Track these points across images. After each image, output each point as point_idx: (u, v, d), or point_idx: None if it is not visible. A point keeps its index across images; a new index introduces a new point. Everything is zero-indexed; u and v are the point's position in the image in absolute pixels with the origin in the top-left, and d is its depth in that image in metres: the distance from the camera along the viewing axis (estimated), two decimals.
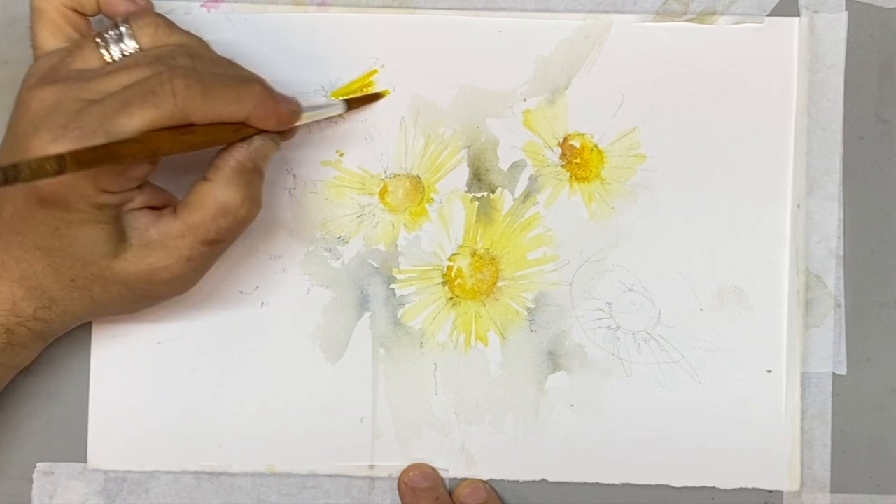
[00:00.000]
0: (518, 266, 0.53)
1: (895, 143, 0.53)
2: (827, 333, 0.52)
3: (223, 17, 0.53)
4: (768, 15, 0.53)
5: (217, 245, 0.46)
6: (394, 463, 0.53)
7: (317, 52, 0.53)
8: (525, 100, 0.53)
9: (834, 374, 0.52)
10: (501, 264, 0.53)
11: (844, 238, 0.53)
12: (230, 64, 0.47)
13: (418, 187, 0.53)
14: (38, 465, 0.53)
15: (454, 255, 0.53)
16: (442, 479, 0.52)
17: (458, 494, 0.52)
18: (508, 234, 0.53)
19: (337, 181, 0.53)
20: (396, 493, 0.52)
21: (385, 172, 0.53)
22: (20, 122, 0.44)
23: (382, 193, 0.53)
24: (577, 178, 0.53)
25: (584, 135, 0.53)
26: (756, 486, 0.52)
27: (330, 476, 0.53)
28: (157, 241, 0.46)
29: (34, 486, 0.53)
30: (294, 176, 0.53)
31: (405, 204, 0.53)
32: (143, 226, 0.46)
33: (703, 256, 0.53)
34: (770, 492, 0.52)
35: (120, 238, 0.45)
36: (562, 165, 0.53)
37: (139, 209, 0.46)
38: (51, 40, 0.47)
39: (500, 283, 0.53)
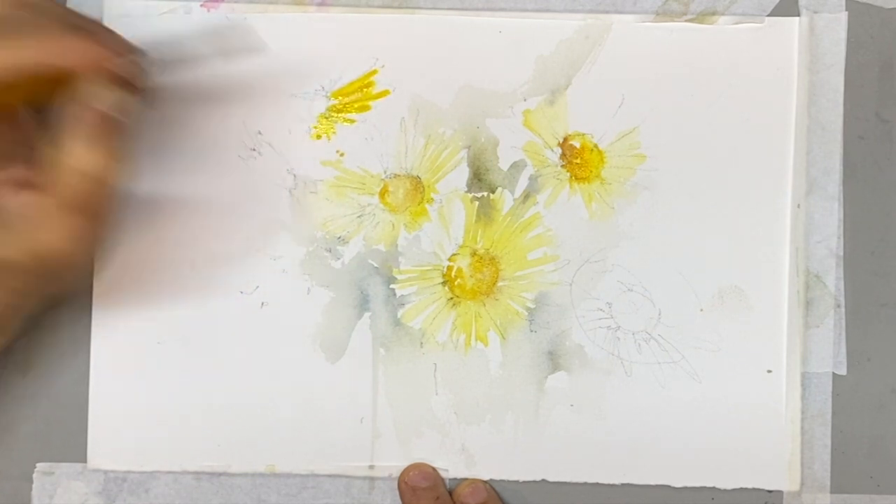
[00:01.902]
0: (518, 266, 0.53)
1: (895, 143, 0.53)
2: (827, 333, 0.52)
3: (223, 17, 0.53)
4: (768, 15, 0.53)
5: (88, 210, 0.43)
6: (394, 463, 0.53)
7: (317, 52, 0.53)
8: (525, 100, 0.53)
9: (834, 374, 0.52)
10: (501, 264, 0.53)
11: (844, 238, 0.53)
12: (67, 13, 0.44)
13: (418, 187, 0.53)
14: (38, 465, 0.53)
15: (454, 255, 0.53)
16: (442, 479, 0.52)
17: (458, 494, 0.52)
18: (508, 234, 0.53)
19: (337, 181, 0.53)
20: (396, 493, 0.52)
21: (385, 172, 0.53)
22: None
23: (382, 193, 0.53)
24: (577, 178, 0.53)
25: (584, 135, 0.53)
26: (756, 486, 0.52)
27: (330, 476, 0.53)
28: (33, 218, 0.43)
29: (34, 486, 0.53)
30: (294, 176, 0.53)
31: (405, 204, 0.53)
32: (14, 204, 0.44)
33: (703, 256, 0.53)
34: (770, 492, 0.52)
35: None
36: (562, 165, 0.53)
37: (5, 185, 0.44)
38: None
39: (500, 283, 0.53)
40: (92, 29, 0.44)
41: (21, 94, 0.42)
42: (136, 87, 0.45)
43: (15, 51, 0.41)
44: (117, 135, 0.44)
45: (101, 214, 0.44)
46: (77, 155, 0.43)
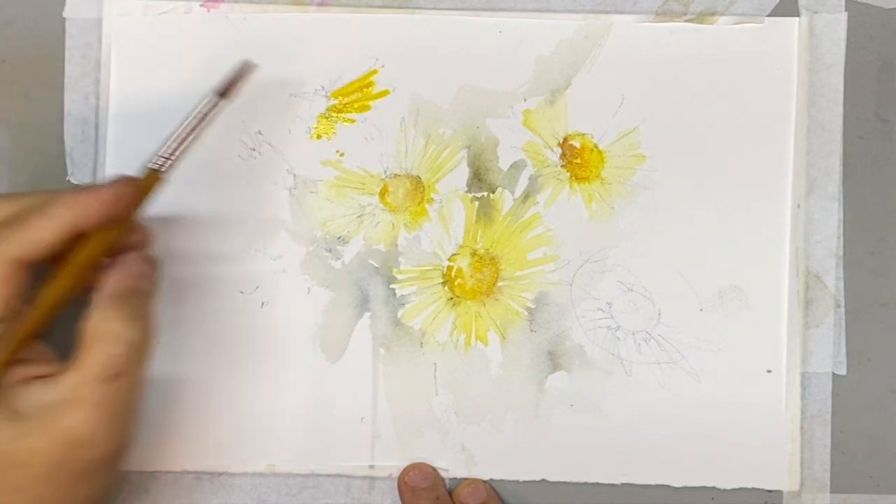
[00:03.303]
0: (518, 266, 0.53)
1: (895, 143, 0.53)
2: (827, 333, 0.52)
3: (223, 16, 0.53)
4: (768, 15, 0.53)
5: (120, 380, 0.42)
6: (394, 463, 0.53)
7: (317, 52, 0.53)
8: (525, 100, 0.53)
9: (834, 374, 0.52)
10: (501, 264, 0.53)
11: (844, 238, 0.53)
12: (33, 195, 0.44)
13: (418, 187, 0.53)
14: None
15: (454, 255, 0.53)
16: (442, 479, 0.52)
17: (458, 494, 0.52)
18: (508, 234, 0.53)
19: (337, 181, 0.53)
20: (396, 493, 0.52)
21: (385, 172, 0.53)
22: None
23: (382, 193, 0.53)
24: (577, 178, 0.53)
25: (584, 135, 0.53)
26: (756, 486, 0.52)
27: (330, 476, 0.53)
28: (59, 400, 0.42)
29: None
30: (294, 176, 0.53)
31: (405, 204, 0.53)
32: (35, 394, 0.42)
33: (703, 256, 0.53)
34: (770, 492, 0.52)
35: (17, 418, 0.42)
36: (562, 165, 0.53)
37: (23, 381, 0.43)
38: None
39: (500, 283, 0.53)
40: (62, 193, 0.44)
41: (67, 283, 0.43)
42: (127, 227, 0.46)
43: (21, 240, 0.42)
44: (142, 299, 0.44)
45: (129, 383, 0.43)
46: (104, 321, 0.43)
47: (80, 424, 0.42)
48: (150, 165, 0.47)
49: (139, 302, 0.44)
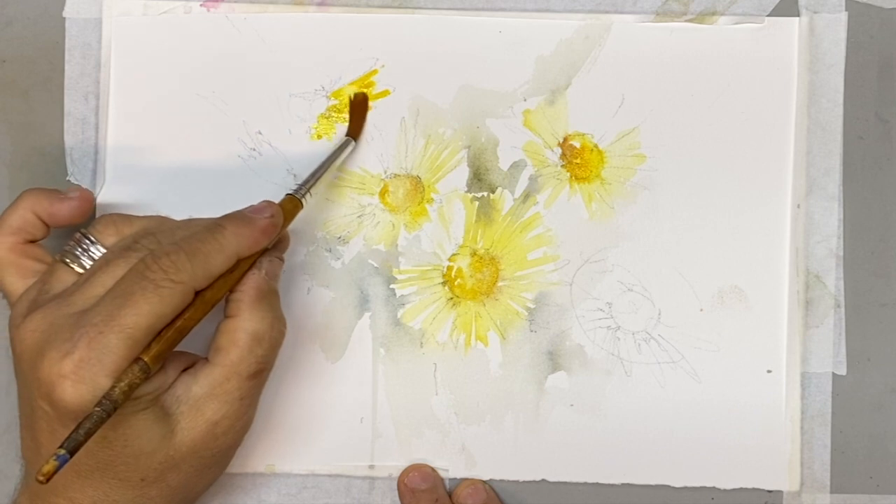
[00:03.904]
0: (518, 266, 0.53)
1: (895, 143, 0.53)
2: (827, 333, 0.52)
3: (223, 16, 0.53)
4: (768, 15, 0.53)
5: (261, 375, 0.46)
6: (394, 463, 0.53)
7: (317, 52, 0.53)
8: (525, 100, 0.53)
9: (834, 374, 0.52)
10: (501, 264, 0.53)
11: (844, 238, 0.53)
12: (189, 222, 0.47)
13: (418, 187, 0.53)
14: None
15: (454, 255, 0.53)
16: (441, 480, 0.52)
17: (457, 495, 0.52)
18: (508, 234, 0.53)
19: (337, 181, 0.53)
20: (396, 493, 0.52)
21: (385, 172, 0.53)
22: (22, 359, 0.44)
23: (382, 193, 0.53)
24: (577, 179, 0.53)
25: (584, 135, 0.53)
26: (756, 486, 0.52)
27: (330, 476, 0.53)
28: (205, 395, 0.45)
29: None
30: (294, 176, 0.53)
31: (405, 204, 0.53)
32: (183, 391, 0.45)
33: (703, 256, 0.53)
34: (770, 492, 0.52)
35: (165, 412, 0.44)
36: (562, 165, 0.53)
37: (175, 380, 0.45)
38: (18, 282, 0.47)
39: (500, 283, 0.53)
40: (222, 219, 0.46)
41: (217, 295, 0.45)
42: (280, 246, 0.49)
43: (194, 263, 0.44)
44: (276, 298, 0.47)
45: (265, 377, 0.47)
46: (250, 321, 0.45)
47: (223, 417, 0.45)
48: (293, 194, 0.49)
49: (276, 301, 0.47)
